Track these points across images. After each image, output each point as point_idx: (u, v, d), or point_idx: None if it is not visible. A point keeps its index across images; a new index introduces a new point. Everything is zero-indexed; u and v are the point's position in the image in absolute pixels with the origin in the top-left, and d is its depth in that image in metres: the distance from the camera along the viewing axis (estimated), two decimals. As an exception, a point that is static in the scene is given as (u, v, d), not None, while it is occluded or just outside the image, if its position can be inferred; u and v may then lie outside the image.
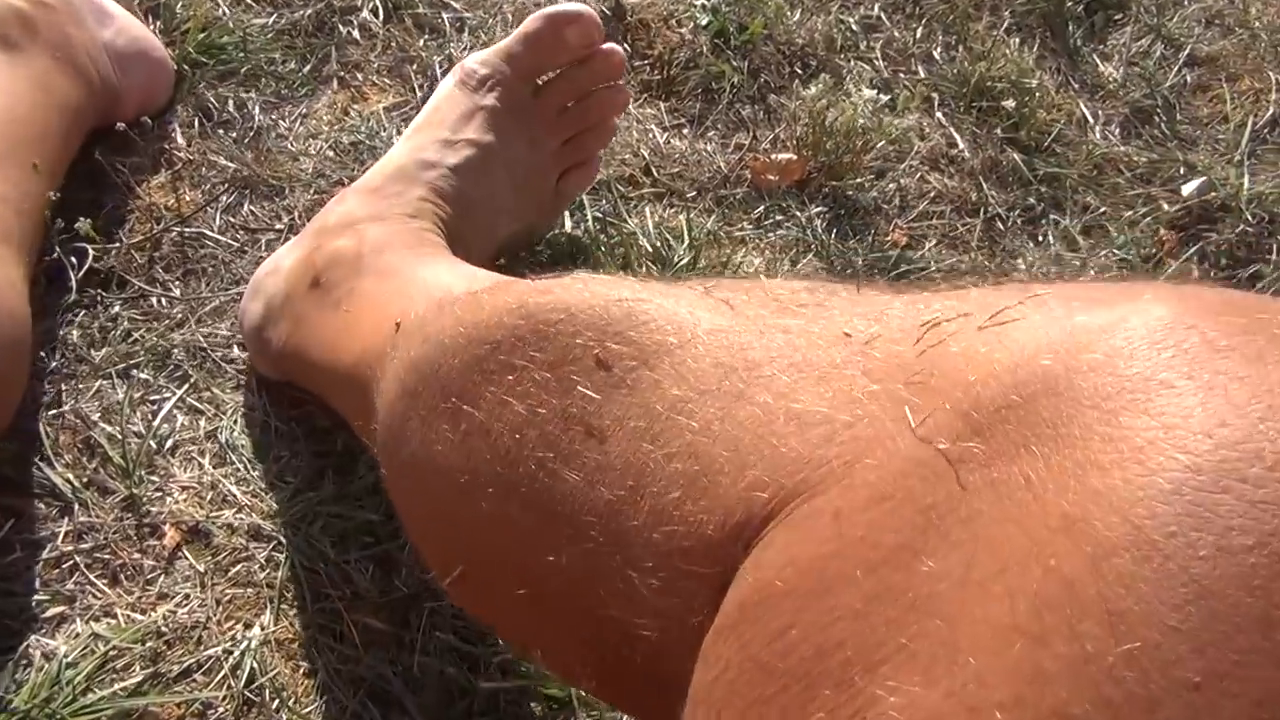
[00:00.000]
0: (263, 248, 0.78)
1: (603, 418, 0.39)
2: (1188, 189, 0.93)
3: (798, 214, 0.87)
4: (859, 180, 0.90)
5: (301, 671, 0.59)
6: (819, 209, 0.88)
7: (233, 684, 0.57)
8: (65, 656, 0.57)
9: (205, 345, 0.72)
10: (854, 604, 0.28)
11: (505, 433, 0.41)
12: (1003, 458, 0.28)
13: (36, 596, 0.59)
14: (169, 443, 0.67)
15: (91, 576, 0.61)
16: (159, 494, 0.64)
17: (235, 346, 0.72)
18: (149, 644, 0.58)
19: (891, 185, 0.90)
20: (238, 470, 0.66)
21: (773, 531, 0.32)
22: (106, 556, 0.62)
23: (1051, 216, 0.91)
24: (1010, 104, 0.96)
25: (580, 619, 0.40)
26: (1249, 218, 0.92)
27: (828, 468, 0.32)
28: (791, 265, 0.84)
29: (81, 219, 0.72)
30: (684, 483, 0.35)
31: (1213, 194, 0.93)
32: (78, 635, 0.58)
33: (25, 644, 0.57)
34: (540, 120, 0.73)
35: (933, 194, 0.90)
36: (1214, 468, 0.24)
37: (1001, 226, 0.89)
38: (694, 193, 0.87)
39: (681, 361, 0.38)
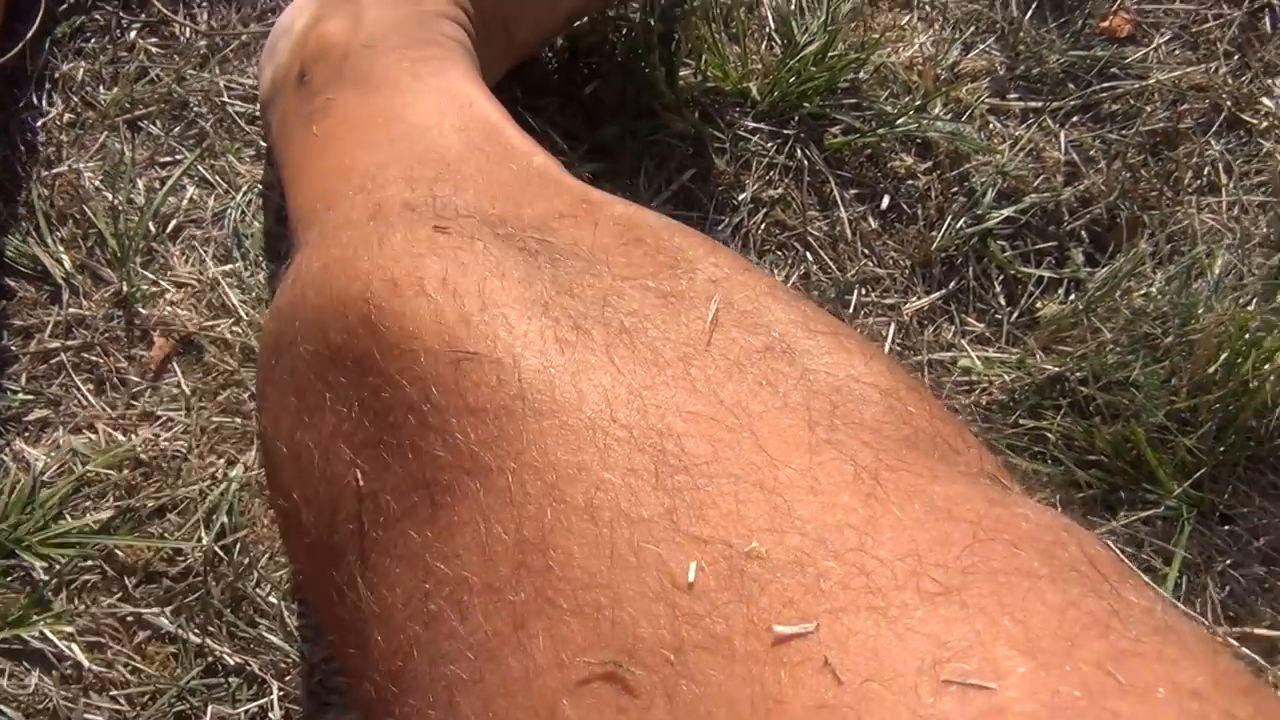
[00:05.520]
0: (307, -36, 0.64)
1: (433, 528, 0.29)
2: None
3: (989, -25, 0.66)
4: (1087, -68, 0.66)
5: (279, 527, 0.55)
6: (1020, -28, 0.66)
7: (204, 536, 0.54)
8: (41, 473, 0.54)
9: (226, 97, 0.62)
10: None
11: (326, 482, 0.33)
12: None
13: (21, 396, 0.56)
14: (171, 224, 0.59)
15: (78, 380, 0.56)
16: (154, 290, 0.58)
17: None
18: (126, 472, 0.55)
19: (1131, -56, 0.66)
20: (240, 272, 0.59)
21: None
22: (94, 359, 0.57)
23: (1348, 15, 0.66)
24: None
25: None
26: None
27: None
28: (964, 51, 0.65)
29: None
30: None
31: None
32: (58, 447, 0.55)
33: (8, 443, 0.55)
34: None
35: (1186, -37, 0.66)
36: None
37: (1268, 27, 0.66)
38: (855, -69, 0.66)
39: (492, 488, 0.28)
